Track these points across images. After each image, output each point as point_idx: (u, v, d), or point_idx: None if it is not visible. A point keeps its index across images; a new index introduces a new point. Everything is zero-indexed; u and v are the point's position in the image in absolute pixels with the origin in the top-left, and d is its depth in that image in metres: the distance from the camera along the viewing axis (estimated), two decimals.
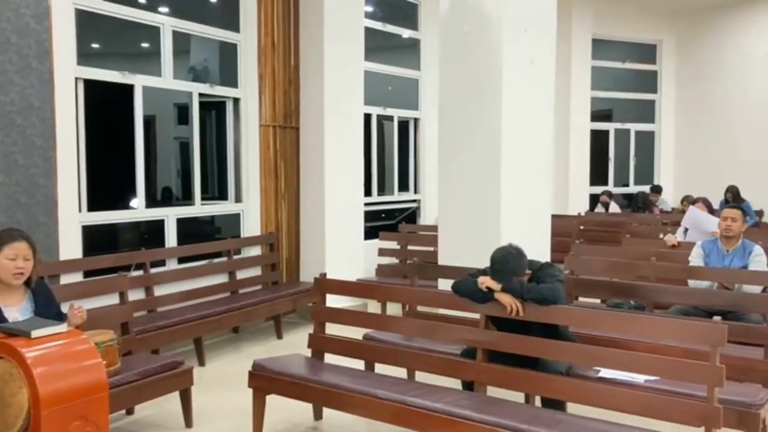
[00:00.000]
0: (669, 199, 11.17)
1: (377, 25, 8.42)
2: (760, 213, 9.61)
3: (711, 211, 6.63)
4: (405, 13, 9.01)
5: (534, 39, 5.02)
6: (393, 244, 7.43)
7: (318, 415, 4.17)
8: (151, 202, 6.34)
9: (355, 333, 4.34)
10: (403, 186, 9.03)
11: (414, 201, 9.16)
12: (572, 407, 3.51)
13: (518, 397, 3.80)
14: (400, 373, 4.26)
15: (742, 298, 4.26)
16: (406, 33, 9.04)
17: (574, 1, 10.53)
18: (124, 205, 5.94)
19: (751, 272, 4.60)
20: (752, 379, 3.54)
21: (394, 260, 7.39)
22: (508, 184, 4.92)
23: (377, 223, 8.46)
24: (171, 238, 6.01)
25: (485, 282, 3.55)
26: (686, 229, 6.13)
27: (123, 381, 3.67)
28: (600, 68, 11.55)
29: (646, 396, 3.17)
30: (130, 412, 4.24)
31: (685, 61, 11.85)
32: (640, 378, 3.41)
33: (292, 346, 5.36)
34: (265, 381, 3.84)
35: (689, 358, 3.22)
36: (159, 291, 5.58)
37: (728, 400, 3.09)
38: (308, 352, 4.19)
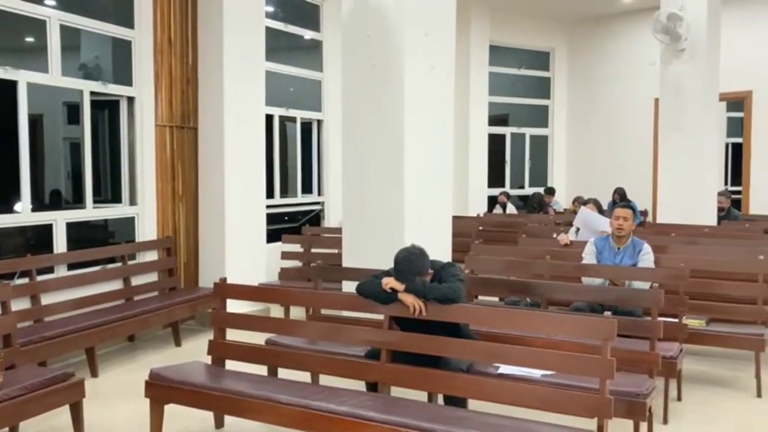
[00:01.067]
0: (561, 200, 11.69)
1: (279, 26, 8.32)
2: (644, 213, 10.21)
3: (601, 211, 6.98)
4: (307, 14, 8.96)
5: (434, 43, 5.10)
6: (296, 247, 7.35)
7: (219, 424, 4.05)
8: (39, 205, 5.98)
9: (258, 338, 4.26)
10: (307, 188, 8.97)
11: (318, 203, 9.12)
12: (473, 404, 3.59)
13: (422, 396, 3.85)
14: (304, 377, 4.21)
15: (628, 293, 4.49)
16: (308, 34, 8.99)
17: (472, 9, 10.83)
18: (8, 209, 5.57)
19: (638, 269, 4.86)
20: (639, 370, 3.74)
21: (297, 263, 7.31)
22: (411, 186, 4.98)
23: (280, 226, 8.36)
24: (60, 243, 5.68)
25: (389, 283, 3.57)
26: (578, 229, 6.42)
27: (5, 397, 3.43)
28: (497, 74, 11.94)
29: (542, 390, 3.28)
30: (14, 430, 3.97)
31: (575, 68, 12.45)
32: (537, 373, 3.54)
33: (192, 353, 5.20)
34: (162, 390, 3.70)
35: (583, 353, 3.37)
36: (47, 299, 5.26)
37: (618, 391, 3.25)
38: (208, 360, 4.07)
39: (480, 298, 5.21)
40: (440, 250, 4.81)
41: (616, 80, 11.82)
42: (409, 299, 3.52)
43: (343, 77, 5.36)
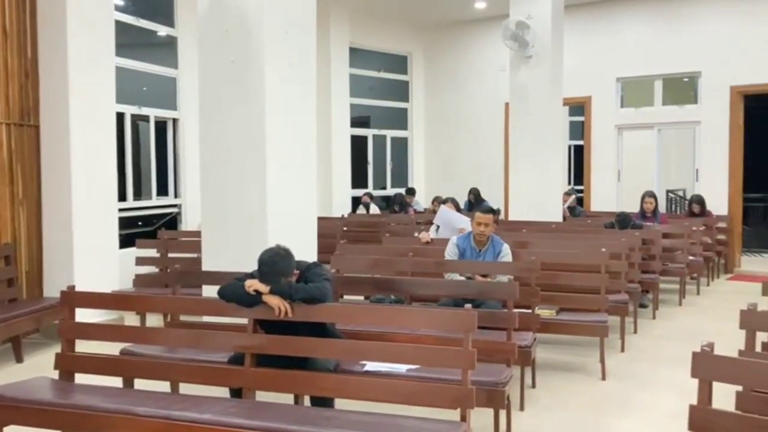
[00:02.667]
0: (422, 200, 12.03)
1: (129, 19, 7.90)
2: (497, 211, 10.70)
3: (458, 209, 7.25)
4: (160, 8, 8.58)
5: (295, 42, 5.05)
6: (152, 252, 7.00)
7: None
8: None
9: (112, 349, 4.00)
10: (162, 190, 8.59)
11: (174, 205, 8.75)
12: (342, 403, 3.58)
13: (289, 399, 3.79)
14: (164, 387, 4.01)
15: (486, 286, 4.69)
16: (162, 30, 8.61)
17: (331, 10, 10.87)
18: None
19: (494, 263, 5.09)
20: (497, 360, 3.91)
21: (153, 269, 6.96)
22: (274, 187, 4.89)
23: (134, 231, 7.93)
24: None
25: (253, 285, 3.48)
26: (438, 227, 6.63)
27: None
28: (358, 76, 12.07)
29: (407, 384, 3.33)
30: None
31: (432, 72, 12.85)
32: (402, 368, 3.59)
33: (37, 369, 4.78)
34: (3, 411, 3.37)
35: (445, 345, 3.46)
36: None
37: (479, 381, 3.37)
38: (55, 375, 3.76)
39: (346, 297, 5.23)
40: (306, 251, 4.76)
41: (470, 85, 12.34)
42: (274, 301, 3.45)
43: (200, 74, 5.17)
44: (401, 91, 12.94)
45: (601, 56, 10.83)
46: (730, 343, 3.13)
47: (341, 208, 10.98)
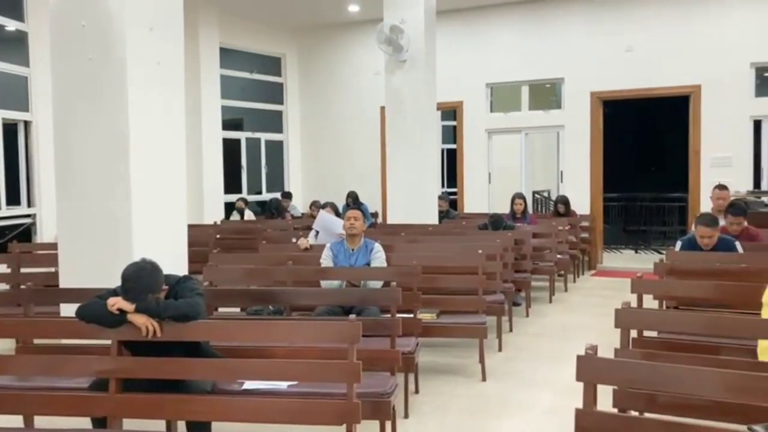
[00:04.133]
0: (298, 205, 11.82)
1: None
2: (375, 215, 10.74)
3: (338, 214, 7.14)
4: (8, 0, 7.84)
5: (161, 39, 4.73)
6: (2, 268, 6.34)
7: None
8: None
9: None
10: (13, 199, 7.84)
11: (28, 216, 8.01)
12: (219, 426, 3.35)
13: (161, 425, 3.50)
14: (17, 421, 3.59)
15: (368, 293, 4.60)
16: (10, 24, 7.87)
17: (200, 9, 10.43)
18: None
19: (375, 269, 5.02)
20: (380, 368, 3.82)
21: (4, 286, 6.31)
22: (139, 194, 4.55)
23: None
24: None
25: (116, 303, 3.17)
26: (317, 232, 6.47)
27: None
28: (230, 77, 11.67)
29: (289, 402, 3.17)
30: None
31: (307, 74, 12.68)
32: (283, 385, 3.41)
33: None
34: None
35: (328, 357, 3.32)
36: None
37: (364, 393, 3.25)
38: None
39: (221, 309, 4.96)
40: (175, 263, 4.46)
41: (346, 87, 12.28)
42: (140, 320, 3.16)
43: (54, 73, 4.73)
44: (275, 93, 12.67)
45: (472, 62, 11.12)
46: (598, 338, 3.20)
47: (214, 214, 10.54)
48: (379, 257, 5.19)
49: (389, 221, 8.84)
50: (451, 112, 11.75)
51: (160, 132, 4.75)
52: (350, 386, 3.00)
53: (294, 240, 6.53)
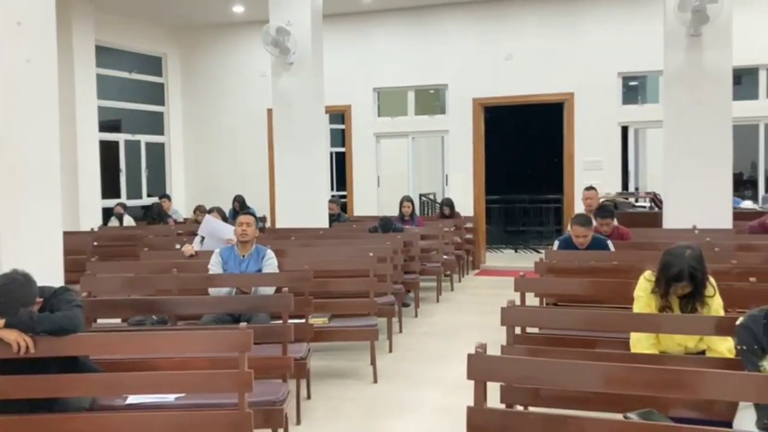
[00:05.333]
0: (182, 209, 11.43)
1: None
2: (263, 219, 10.57)
3: (225, 219, 6.96)
4: None
5: (30, 34, 4.42)
6: None
7: None
8: None
9: None
10: None
11: None
12: None
13: None
14: None
15: (260, 300, 4.52)
16: None
17: (73, 4, 9.85)
18: None
19: (266, 275, 4.94)
20: (272, 375, 3.76)
21: None
22: (8, 200, 4.22)
23: None
24: None
25: None
26: (203, 238, 6.28)
27: None
28: (107, 77, 11.10)
29: (177, 415, 3.06)
30: None
31: (190, 75, 12.29)
32: (170, 397, 3.28)
33: None
34: None
35: (218, 367, 3.22)
36: None
37: (255, 401, 3.19)
38: None
39: (100, 321, 4.70)
40: (50, 273, 4.17)
41: (231, 89, 12.01)
42: (11, 336, 2.93)
43: None
44: (156, 93, 12.18)
45: (359, 66, 11.19)
46: (483, 336, 3.28)
47: (90, 220, 9.96)
48: (271, 263, 5.10)
49: (278, 225, 8.72)
50: (339, 116, 11.78)
51: (30, 133, 4.43)
52: (241, 396, 2.92)
53: (178, 246, 6.31)
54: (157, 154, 12.20)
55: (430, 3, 10.76)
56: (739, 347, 2.71)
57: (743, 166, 12.48)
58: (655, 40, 7.83)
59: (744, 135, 9.08)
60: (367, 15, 11.21)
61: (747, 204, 9.47)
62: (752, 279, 3.94)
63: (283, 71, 8.50)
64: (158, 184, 12.15)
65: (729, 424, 2.63)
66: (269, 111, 9.57)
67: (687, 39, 7.06)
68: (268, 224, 10.61)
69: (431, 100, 12.04)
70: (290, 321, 4.14)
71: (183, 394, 3.27)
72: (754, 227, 6.67)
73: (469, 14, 10.76)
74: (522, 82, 10.42)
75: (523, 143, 15.98)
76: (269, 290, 4.85)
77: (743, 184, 12.18)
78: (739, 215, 7.58)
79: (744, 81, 9.89)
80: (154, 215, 10.42)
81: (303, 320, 4.66)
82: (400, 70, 11.06)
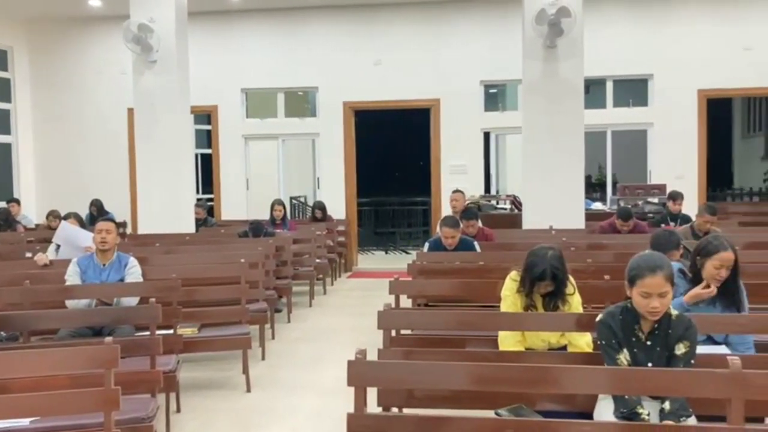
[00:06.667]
0: (32, 215, 10.60)
1: None
2: (123, 225, 10.02)
3: (83, 225, 6.53)
4: None
5: None
6: None
7: None
8: None
9: None
10: None
11: None
12: None
13: None
14: None
15: (125, 312, 4.27)
16: None
17: None
18: None
19: (129, 284, 4.68)
20: (140, 390, 3.57)
21: None
22: None
23: None
24: None
25: None
26: (58, 246, 5.86)
27: None
28: None
29: None
30: None
31: (41, 71, 11.42)
32: (24, 421, 3.02)
33: None
34: None
35: (80, 385, 3.00)
36: None
37: (123, 419, 3.02)
38: None
39: None
40: None
41: (88, 87, 11.28)
42: None
43: None
44: (2, 90, 11.22)
45: (226, 66, 10.91)
46: (356, 338, 3.33)
47: None
48: (134, 272, 4.84)
49: (140, 231, 8.32)
50: (206, 116, 11.43)
51: None
52: (108, 415, 2.75)
53: (29, 255, 5.85)
54: (3, 154, 11.24)
55: (299, 5, 10.70)
56: (598, 342, 2.90)
57: (593, 170, 13.49)
58: (514, 50, 8.25)
59: (593, 141, 9.77)
60: (234, 14, 10.96)
61: (597, 205, 10.21)
62: (606, 277, 4.24)
63: (145, 69, 8.13)
64: (5, 188, 11.19)
65: (590, 415, 2.81)
66: (130, 110, 9.10)
67: (543, 50, 7.51)
68: (129, 230, 10.09)
69: (301, 103, 11.97)
70: (158, 332, 3.95)
71: (38, 417, 3.02)
72: (603, 227, 7.21)
73: (338, 18, 10.81)
74: (391, 88, 10.62)
75: (393, 147, 16.32)
76: (133, 301, 4.61)
77: (593, 187, 13.17)
78: (590, 216, 8.17)
79: (593, 90, 10.66)
80: (1, 221, 9.56)
81: (171, 331, 4.47)
82: (269, 71, 10.91)
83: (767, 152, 14.46)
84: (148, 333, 3.90)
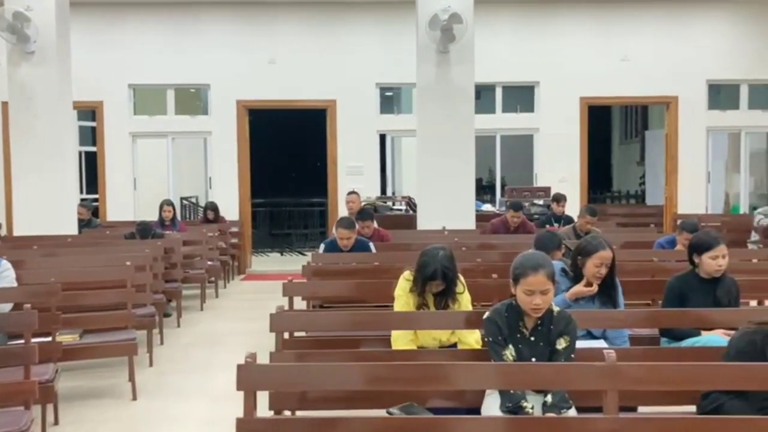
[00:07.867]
0: None
1: None
2: None
3: None
4: None
5: None
6: None
7: None
8: None
9: None
10: None
11: None
12: None
13: None
14: None
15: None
16: None
17: None
18: None
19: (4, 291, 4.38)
20: (14, 403, 3.34)
21: None
22: None
23: None
24: None
25: None
26: None
27: None
28: None
29: None
30: None
31: None
32: None
33: None
34: None
35: None
36: None
37: None
38: None
39: None
40: None
41: None
42: None
43: None
44: None
45: (112, 61, 10.40)
46: (249, 341, 3.27)
47: None
48: (7, 276, 4.52)
49: (16, 233, 7.80)
50: (90, 112, 10.87)
51: None
52: None
53: None
54: None
55: (188, 0, 10.38)
56: (486, 339, 2.99)
57: (483, 173, 13.93)
58: (409, 54, 8.37)
59: (483, 145, 10.09)
60: (121, 7, 10.49)
61: (487, 207, 10.57)
62: (494, 275, 4.38)
63: (21, 61, 7.65)
64: None
65: (479, 411, 2.89)
66: (4, 104, 8.51)
67: (437, 55, 7.68)
68: (4, 232, 9.43)
69: (193, 100, 11.63)
70: (34, 340, 3.71)
71: None
72: (495, 224, 7.51)
73: (231, 14, 10.58)
74: (286, 87, 10.50)
75: (288, 147, 16.15)
76: (6, 307, 4.31)
77: (483, 189, 13.62)
78: (480, 217, 8.44)
79: (483, 96, 11.01)
80: None
81: (49, 338, 4.22)
82: (158, 67, 10.51)
83: (642, 157, 15.47)
84: (22, 341, 3.65)
